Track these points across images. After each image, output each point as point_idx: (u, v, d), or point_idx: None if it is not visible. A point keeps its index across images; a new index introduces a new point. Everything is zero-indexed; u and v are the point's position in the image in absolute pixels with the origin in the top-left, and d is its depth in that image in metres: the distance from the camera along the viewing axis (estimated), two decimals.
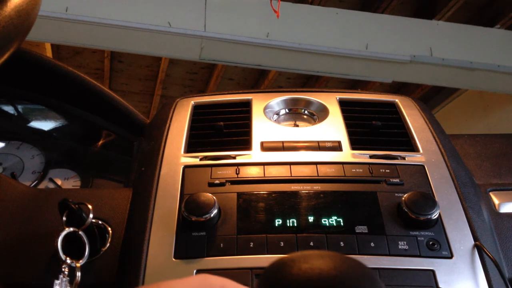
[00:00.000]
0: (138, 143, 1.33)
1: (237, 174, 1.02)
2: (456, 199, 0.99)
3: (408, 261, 0.88)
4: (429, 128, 1.17)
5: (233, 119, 1.20)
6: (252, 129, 1.15)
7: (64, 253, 0.89)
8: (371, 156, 1.08)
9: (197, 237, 0.91)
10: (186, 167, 1.05)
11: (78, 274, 0.88)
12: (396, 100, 1.27)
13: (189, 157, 1.07)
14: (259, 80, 6.28)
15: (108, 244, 0.97)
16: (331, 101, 1.25)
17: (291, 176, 1.02)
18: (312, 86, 6.34)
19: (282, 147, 1.10)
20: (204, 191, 0.95)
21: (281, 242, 0.90)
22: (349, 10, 4.55)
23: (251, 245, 0.89)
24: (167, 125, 1.17)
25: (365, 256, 0.88)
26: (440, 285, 0.85)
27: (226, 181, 1.01)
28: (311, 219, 0.93)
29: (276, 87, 6.18)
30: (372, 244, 0.90)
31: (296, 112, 1.28)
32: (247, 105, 1.25)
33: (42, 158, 1.41)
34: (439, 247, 0.90)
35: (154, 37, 4.08)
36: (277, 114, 1.26)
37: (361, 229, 0.92)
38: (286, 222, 0.93)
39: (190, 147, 1.11)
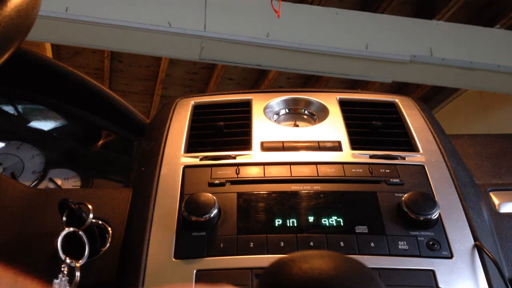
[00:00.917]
0: (138, 143, 1.33)
1: (237, 174, 1.02)
2: (456, 199, 0.99)
3: (408, 261, 0.88)
4: (429, 128, 1.17)
5: (233, 119, 1.20)
6: (252, 129, 1.15)
7: (64, 253, 0.89)
8: (371, 156, 1.08)
9: (197, 237, 0.91)
10: (186, 167, 1.05)
11: (78, 274, 0.88)
12: (396, 100, 1.27)
13: (189, 157, 1.07)
14: (259, 80, 6.28)
15: (108, 244, 0.97)
16: (331, 101, 1.25)
17: (291, 176, 1.02)
18: (312, 86, 6.34)
19: (282, 147, 1.10)
20: (204, 191, 0.95)
21: (281, 242, 0.90)
22: (349, 10, 4.55)
23: (251, 245, 0.89)
24: (167, 125, 1.17)
25: (365, 256, 0.88)
26: (440, 285, 0.85)
27: (226, 181, 1.01)
28: (311, 219, 0.93)
29: (276, 87, 6.18)
30: (372, 244, 0.90)
31: (296, 112, 1.28)
32: (247, 105, 1.25)
33: (42, 158, 1.41)
34: (439, 247, 0.90)
35: (154, 37, 4.08)
36: (277, 114, 1.26)
37: (361, 229, 0.92)
38: (286, 222, 0.93)
39: (190, 147, 1.11)
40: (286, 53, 4.28)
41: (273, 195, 0.98)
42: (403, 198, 0.95)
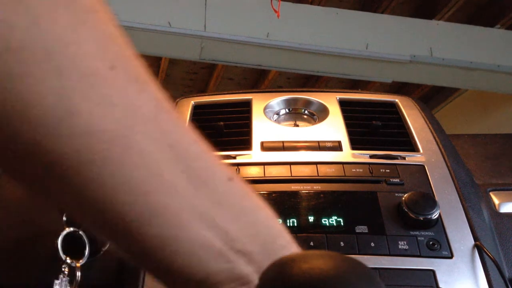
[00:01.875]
0: None
1: (237, 173, 1.02)
2: (456, 199, 0.99)
3: (408, 261, 0.88)
4: (429, 128, 1.17)
5: (233, 119, 1.20)
6: (252, 129, 1.15)
7: (64, 253, 0.89)
8: (371, 156, 1.08)
9: None
10: None
11: (78, 273, 0.88)
12: (396, 100, 1.27)
13: None
14: (259, 80, 6.28)
15: (108, 244, 0.97)
16: (331, 101, 1.25)
17: (291, 176, 1.02)
18: (312, 86, 6.34)
19: (282, 147, 1.10)
20: None
21: None
22: (349, 10, 4.55)
23: None
24: None
25: (365, 256, 0.88)
26: (440, 285, 0.85)
27: None
28: (311, 219, 0.93)
29: (276, 87, 6.18)
30: (372, 244, 0.90)
31: (296, 112, 1.28)
32: (247, 105, 1.25)
33: None
34: (439, 247, 0.90)
35: (154, 37, 4.08)
36: (277, 114, 1.26)
37: (361, 229, 0.92)
38: (286, 222, 0.93)
39: None
40: (286, 53, 4.28)
41: (273, 195, 0.98)
42: (403, 198, 0.95)
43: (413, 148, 1.12)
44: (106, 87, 0.38)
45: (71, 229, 0.91)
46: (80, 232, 0.92)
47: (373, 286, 0.44)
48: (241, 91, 1.32)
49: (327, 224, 0.93)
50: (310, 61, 4.37)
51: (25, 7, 0.34)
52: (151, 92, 0.43)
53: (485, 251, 0.90)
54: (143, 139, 0.39)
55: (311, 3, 4.68)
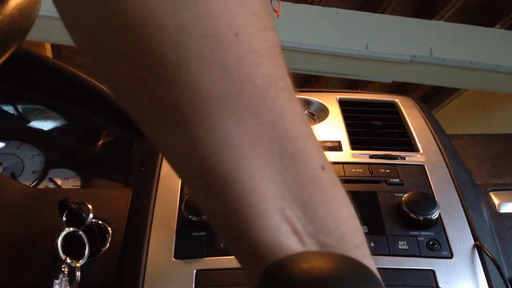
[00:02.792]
0: (138, 143, 1.33)
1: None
2: (456, 199, 0.99)
3: (408, 261, 0.88)
4: (429, 128, 1.17)
5: None
6: None
7: (64, 253, 0.89)
8: (371, 156, 1.08)
9: (197, 237, 0.91)
10: None
11: (78, 274, 0.88)
12: (396, 100, 1.27)
13: None
14: None
15: (108, 244, 0.97)
16: (331, 101, 1.25)
17: None
18: (312, 86, 6.34)
19: None
20: None
21: None
22: (349, 10, 4.55)
23: None
24: None
25: None
26: (440, 285, 0.85)
27: None
28: None
29: None
30: (372, 244, 0.90)
31: None
32: None
33: (42, 158, 1.41)
34: (439, 247, 0.90)
35: None
36: None
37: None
38: None
39: None
40: (286, 53, 4.26)
41: None
42: (403, 198, 0.95)
43: (413, 148, 1.12)
44: (225, 51, 0.40)
45: (71, 229, 0.91)
46: (80, 232, 0.92)
47: (373, 286, 0.44)
48: None
49: None
50: (310, 61, 4.37)
51: None
52: (268, 68, 0.44)
53: (485, 251, 0.90)
54: (244, 110, 0.41)
55: (311, 3, 4.68)
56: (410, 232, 0.92)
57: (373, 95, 1.31)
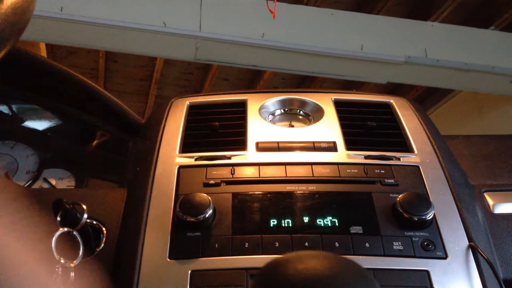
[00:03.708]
0: (133, 143, 1.33)
1: (232, 174, 1.02)
2: (451, 199, 0.99)
3: (403, 261, 0.88)
4: (424, 129, 1.17)
5: (228, 119, 1.20)
6: (247, 130, 1.15)
7: (58, 253, 0.89)
8: (366, 157, 1.08)
9: (192, 238, 0.91)
10: (181, 167, 1.04)
11: (72, 274, 0.88)
12: (391, 101, 1.27)
13: (184, 157, 1.07)
14: (254, 80, 6.28)
15: (102, 244, 0.97)
16: (326, 102, 1.26)
17: (286, 176, 1.02)
18: (307, 87, 6.34)
19: (277, 147, 1.10)
20: (199, 191, 0.95)
21: (276, 242, 0.90)
22: (344, 11, 4.56)
23: (246, 246, 0.89)
24: (162, 125, 1.17)
25: (360, 257, 0.88)
26: (434, 285, 0.85)
27: (221, 181, 1.01)
28: (306, 219, 0.93)
29: (271, 88, 6.18)
30: (367, 245, 0.90)
31: (291, 113, 1.28)
32: (243, 105, 1.25)
33: (37, 158, 1.41)
34: (434, 248, 0.90)
35: (149, 37, 4.07)
36: (273, 114, 1.26)
37: (356, 229, 0.92)
38: (281, 223, 0.93)
39: (185, 147, 1.11)
40: (281, 54, 4.28)
41: (268, 195, 0.98)
42: (398, 199, 0.95)
43: (407, 149, 1.12)
44: None
45: (65, 229, 0.91)
46: (74, 233, 0.91)
47: (368, 287, 0.45)
48: (236, 92, 1.32)
49: (322, 225, 0.93)
50: (305, 62, 4.38)
51: None
52: None
53: (479, 252, 0.90)
54: None
55: (306, 4, 4.68)
56: (405, 233, 0.92)
57: (368, 95, 1.31)
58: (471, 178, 1.14)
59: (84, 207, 0.93)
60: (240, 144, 1.12)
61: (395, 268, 0.87)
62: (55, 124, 1.54)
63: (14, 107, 1.53)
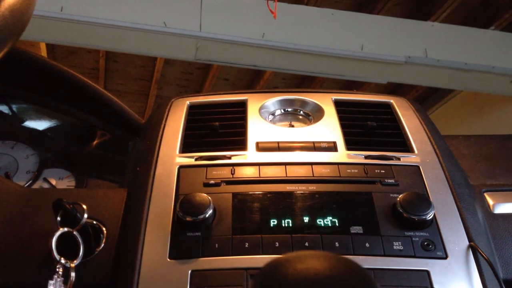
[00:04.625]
0: (133, 143, 1.33)
1: (232, 174, 1.02)
2: (451, 199, 0.99)
3: (403, 261, 0.88)
4: (424, 129, 1.17)
5: (228, 119, 1.20)
6: (248, 130, 1.15)
7: (59, 253, 0.89)
8: (366, 157, 1.08)
9: (192, 237, 0.91)
10: (181, 167, 1.04)
11: (73, 274, 0.88)
12: (391, 101, 1.27)
13: (184, 157, 1.07)
14: (255, 80, 6.28)
15: (102, 244, 0.97)
16: (326, 102, 1.26)
17: (286, 176, 1.02)
18: (307, 87, 6.35)
19: (278, 147, 1.10)
20: (199, 191, 0.95)
21: (276, 242, 0.90)
22: (344, 11, 4.56)
23: (246, 246, 0.89)
24: (162, 125, 1.17)
25: (360, 257, 0.88)
26: (434, 285, 0.85)
27: (221, 181, 1.00)
28: (306, 219, 0.93)
29: (271, 88, 6.18)
30: (367, 245, 0.90)
31: (292, 113, 1.28)
32: (243, 105, 1.25)
33: (37, 158, 1.41)
34: (434, 248, 0.90)
35: (149, 37, 4.08)
36: (273, 114, 1.26)
37: (356, 229, 0.92)
38: (281, 223, 0.93)
39: (185, 147, 1.11)
40: (282, 54, 4.29)
41: (268, 195, 0.98)
42: (398, 199, 0.95)
43: (408, 149, 1.12)
44: None
45: (65, 229, 0.91)
46: (75, 233, 0.91)
47: (368, 287, 0.45)
48: (236, 92, 1.32)
49: (322, 225, 0.93)
50: (305, 62, 4.38)
51: None
52: None
53: (479, 252, 0.90)
54: None
55: (307, 4, 4.69)
56: (405, 233, 0.92)
57: (368, 95, 1.31)
58: (471, 178, 1.14)
59: (84, 207, 0.93)
60: (240, 144, 1.11)
61: (395, 268, 0.87)
62: (55, 124, 1.54)
63: (14, 107, 1.53)
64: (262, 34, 4.17)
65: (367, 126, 1.17)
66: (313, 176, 1.02)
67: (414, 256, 0.89)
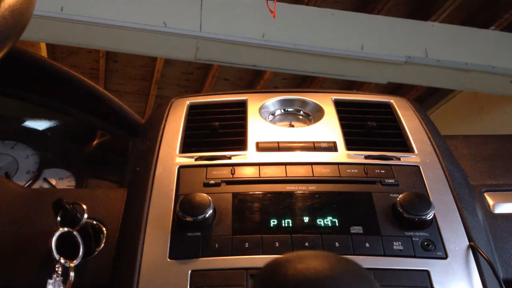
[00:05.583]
0: (133, 143, 1.33)
1: (232, 174, 1.02)
2: (451, 199, 0.99)
3: (403, 261, 0.88)
4: (424, 129, 1.17)
5: (228, 119, 1.20)
6: (248, 130, 1.15)
7: (58, 253, 0.89)
8: (366, 157, 1.08)
9: (192, 238, 0.91)
10: (181, 167, 1.04)
11: (72, 274, 0.88)
12: (391, 101, 1.27)
13: (184, 157, 1.07)
14: (255, 80, 6.28)
15: (102, 244, 0.97)
16: (326, 102, 1.26)
17: (287, 176, 1.02)
18: (307, 87, 6.35)
19: (278, 147, 1.10)
20: (199, 191, 0.95)
21: (276, 242, 0.90)
22: (344, 11, 4.56)
23: (246, 246, 0.89)
24: (162, 125, 1.17)
25: (360, 257, 0.88)
26: (434, 285, 0.85)
27: (222, 181, 1.00)
28: (306, 219, 0.93)
29: (271, 88, 6.18)
30: (367, 245, 0.90)
31: (292, 113, 1.28)
32: (243, 105, 1.25)
33: (37, 158, 1.41)
34: (434, 248, 0.90)
35: (150, 37, 4.08)
36: (273, 114, 1.26)
37: (356, 229, 0.92)
38: (281, 223, 0.93)
39: (185, 147, 1.11)
40: (282, 54, 4.29)
41: (268, 195, 0.98)
42: (398, 199, 0.95)
43: (408, 149, 1.12)
44: None
45: (65, 229, 0.91)
46: (74, 233, 0.91)
47: (368, 287, 0.45)
48: (236, 92, 1.32)
49: (322, 225, 0.93)
50: (305, 62, 4.38)
51: None
52: None
53: (479, 252, 0.90)
54: None
55: (307, 4, 4.69)
56: (405, 233, 0.92)
57: (368, 95, 1.31)
58: (471, 178, 1.14)
59: (84, 207, 0.93)
60: (240, 144, 1.11)
61: (395, 268, 0.87)
62: (55, 124, 1.54)
63: (14, 107, 1.53)
64: (262, 34, 4.17)
65: (367, 126, 1.17)
66: (313, 176, 1.02)
67: (414, 256, 0.89)
